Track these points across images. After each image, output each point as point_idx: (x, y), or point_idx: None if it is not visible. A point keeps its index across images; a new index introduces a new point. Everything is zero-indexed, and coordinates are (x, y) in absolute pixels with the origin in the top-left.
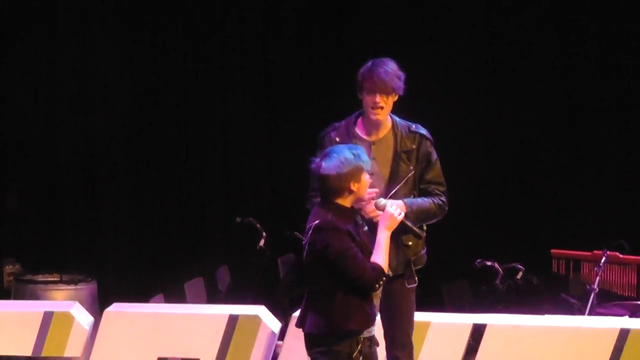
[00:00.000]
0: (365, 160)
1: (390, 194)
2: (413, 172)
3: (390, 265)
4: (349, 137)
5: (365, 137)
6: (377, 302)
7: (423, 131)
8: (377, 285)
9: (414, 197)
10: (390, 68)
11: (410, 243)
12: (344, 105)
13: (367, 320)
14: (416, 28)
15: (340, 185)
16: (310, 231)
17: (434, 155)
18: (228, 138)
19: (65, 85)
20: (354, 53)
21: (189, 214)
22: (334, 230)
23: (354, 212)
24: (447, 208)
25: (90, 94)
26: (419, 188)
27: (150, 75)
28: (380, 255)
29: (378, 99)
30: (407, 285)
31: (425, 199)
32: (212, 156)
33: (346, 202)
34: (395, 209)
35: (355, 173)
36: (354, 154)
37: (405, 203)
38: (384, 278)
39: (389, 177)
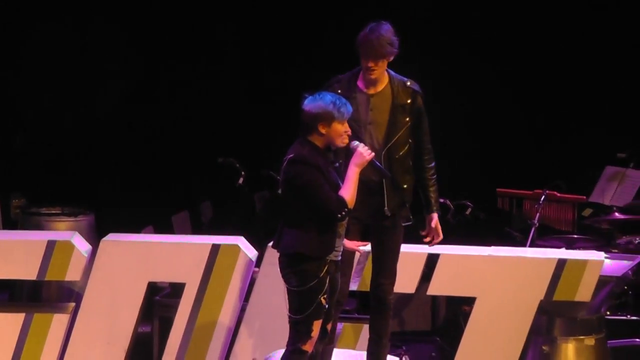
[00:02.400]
0: (343, 111)
1: (391, 143)
2: (409, 123)
3: (388, 205)
4: (350, 90)
5: (364, 90)
6: (342, 230)
7: (416, 87)
8: (339, 215)
9: (409, 147)
10: (384, 34)
11: (405, 186)
12: (324, 53)
13: (328, 247)
14: None
15: (309, 123)
16: (285, 162)
17: (424, 110)
18: (210, 88)
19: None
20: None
21: (176, 154)
22: (304, 164)
23: (327, 152)
24: (434, 158)
25: (85, 40)
26: (413, 139)
27: (142, 36)
28: (347, 189)
29: (370, 63)
30: (402, 223)
31: (430, 183)
32: (197, 104)
33: (318, 142)
34: (365, 150)
35: (325, 117)
36: (332, 102)
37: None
38: (346, 209)
39: (387, 126)
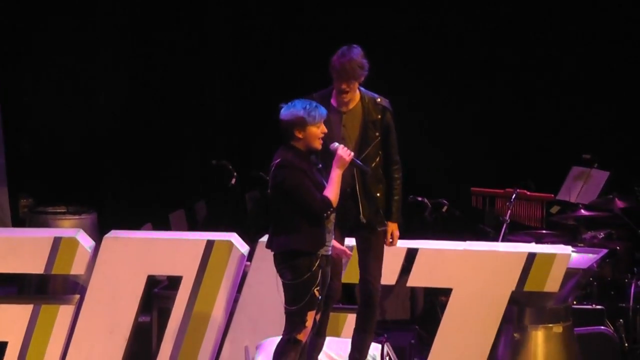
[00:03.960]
0: (315, 115)
1: (362, 156)
2: (379, 138)
3: (364, 213)
4: (326, 107)
5: (337, 107)
6: (331, 226)
7: (386, 104)
8: (324, 214)
9: (380, 158)
10: (355, 58)
11: (378, 194)
12: (311, 58)
13: (319, 242)
14: None
15: (286, 130)
16: (273, 167)
17: (393, 125)
18: (204, 93)
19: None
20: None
21: (173, 156)
22: (291, 168)
23: (309, 154)
24: (401, 168)
25: (87, 53)
26: (383, 151)
27: (140, 39)
28: (331, 190)
29: (343, 85)
30: (378, 228)
31: (395, 192)
32: (192, 111)
33: (299, 145)
34: (345, 151)
35: (298, 122)
36: (304, 108)
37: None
38: (331, 208)
39: (359, 141)
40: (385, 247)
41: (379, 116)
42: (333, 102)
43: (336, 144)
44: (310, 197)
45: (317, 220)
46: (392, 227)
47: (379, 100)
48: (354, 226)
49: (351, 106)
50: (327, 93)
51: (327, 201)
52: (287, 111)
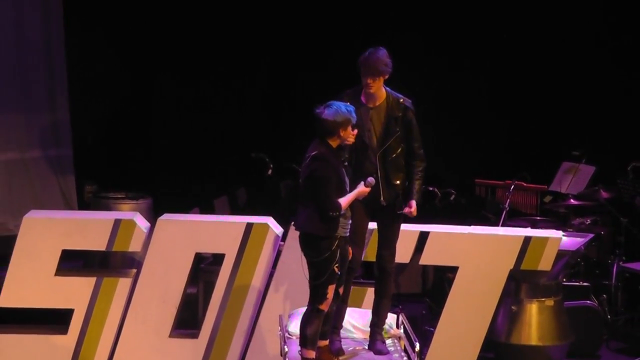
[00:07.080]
0: (355, 116)
1: (384, 147)
2: (399, 132)
3: (384, 197)
4: (355, 102)
5: (365, 103)
6: (348, 213)
7: (408, 104)
8: (330, 213)
9: (402, 150)
10: (380, 57)
11: (398, 182)
12: (331, 73)
13: (333, 228)
14: None
15: (333, 129)
16: (309, 158)
17: (414, 122)
18: (245, 95)
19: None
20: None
21: (218, 149)
22: (324, 161)
23: (341, 151)
24: (425, 160)
25: (144, 57)
26: (405, 145)
27: (182, 32)
28: (345, 200)
29: (369, 80)
30: (397, 211)
31: (416, 178)
32: (234, 111)
33: (334, 143)
34: (367, 190)
35: (345, 122)
36: (347, 110)
37: (415, 201)
38: (338, 212)
39: (382, 133)
40: (401, 231)
41: (400, 114)
42: (362, 98)
43: (373, 182)
44: (328, 194)
45: (323, 216)
46: (413, 204)
47: (401, 100)
48: (377, 208)
49: (378, 103)
50: (358, 90)
51: (338, 205)
52: (333, 112)
